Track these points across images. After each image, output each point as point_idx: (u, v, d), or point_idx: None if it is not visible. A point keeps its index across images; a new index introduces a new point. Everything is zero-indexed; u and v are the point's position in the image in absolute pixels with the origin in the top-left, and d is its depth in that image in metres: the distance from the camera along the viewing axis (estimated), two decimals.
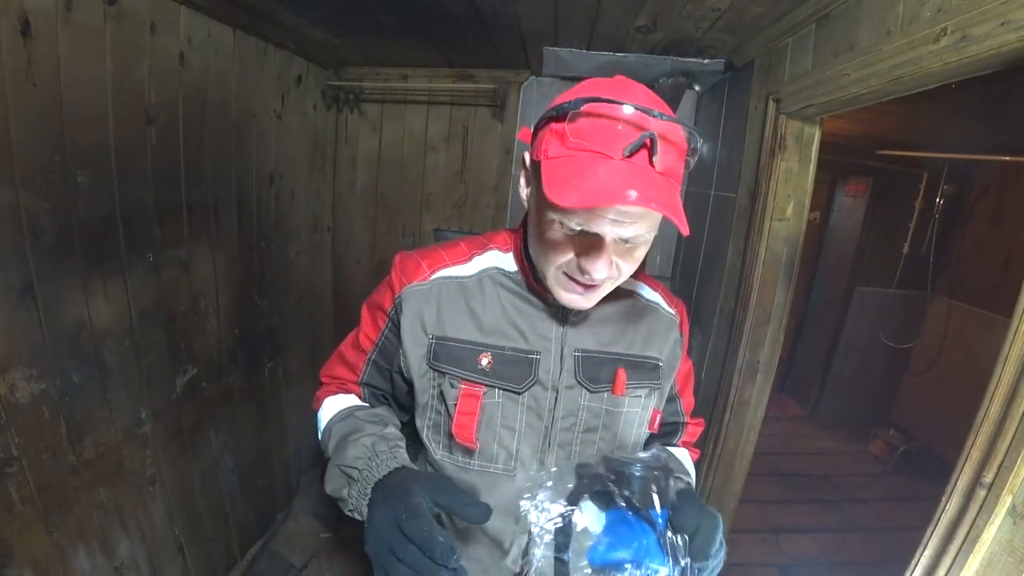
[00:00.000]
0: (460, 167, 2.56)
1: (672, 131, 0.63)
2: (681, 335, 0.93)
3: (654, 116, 0.60)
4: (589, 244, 0.66)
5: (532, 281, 0.80)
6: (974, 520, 0.74)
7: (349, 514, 0.69)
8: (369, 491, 0.65)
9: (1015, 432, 0.69)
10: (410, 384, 0.86)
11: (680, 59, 1.92)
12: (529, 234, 0.77)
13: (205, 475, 1.82)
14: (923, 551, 0.83)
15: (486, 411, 0.79)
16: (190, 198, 1.61)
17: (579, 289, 0.71)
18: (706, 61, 1.91)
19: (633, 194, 0.56)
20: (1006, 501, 0.70)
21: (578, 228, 0.64)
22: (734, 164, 1.79)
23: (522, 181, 0.77)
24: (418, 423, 0.87)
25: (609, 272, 0.68)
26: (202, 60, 1.58)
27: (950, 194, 3.35)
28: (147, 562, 1.55)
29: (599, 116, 0.61)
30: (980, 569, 0.74)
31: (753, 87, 1.67)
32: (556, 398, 0.80)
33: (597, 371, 0.82)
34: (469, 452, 0.81)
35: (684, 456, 1.02)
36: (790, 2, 1.32)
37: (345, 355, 0.92)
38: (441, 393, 0.81)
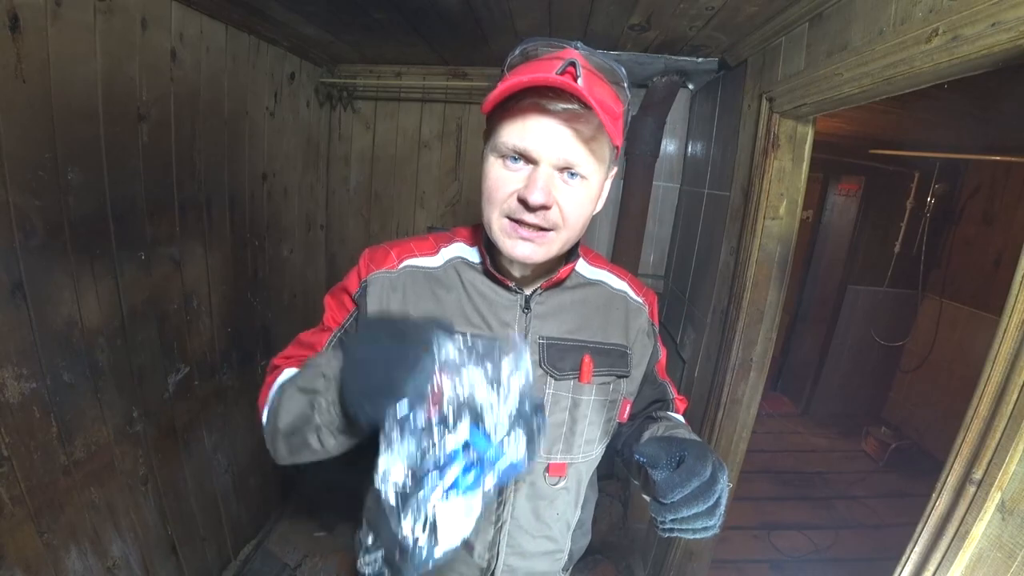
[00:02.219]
0: (454, 165, 2.56)
1: (599, 67, 0.71)
2: (652, 323, 0.94)
3: (576, 48, 0.69)
4: (526, 178, 0.68)
5: (491, 268, 0.81)
6: (964, 516, 0.75)
7: (316, 446, 0.66)
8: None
9: (1004, 429, 0.70)
10: None
11: (674, 58, 1.93)
12: (482, 204, 0.76)
13: (198, 474, 1.81)
14: (913, 547, 0.84)
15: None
16: (182, 196, 1.60)
17: (524, 232, 0.71)
18: (700, 60, 1.92)
19: (556, 74, 0.62)
20: (995, 497, 0.71)
21: (513, 150, 0.68)
22: (727, 163, 1.80)
23: (486, 150, 0.78)
24: None
25: (545, 200, 0.67)
26: (194, 57, 1.57)
27: (941, 193, 3.38)
28: (140, 562, 1.54)
29: (534, 60, 0.70)
30: (970, 564, 0.75)
31: (746, 86, 1.68)
32: None
33: (562, 358, 0.82)
34: None
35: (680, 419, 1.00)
36: (783, 1, 1.32)
37: (302, 339, 0.89)
38: None
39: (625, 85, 0.73)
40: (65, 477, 1.28)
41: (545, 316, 0.83)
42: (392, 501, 0.55)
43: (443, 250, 0.87)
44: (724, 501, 0.62)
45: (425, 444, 0.54)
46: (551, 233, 0.72)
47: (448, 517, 0.56)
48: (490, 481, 0.57)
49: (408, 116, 2.54)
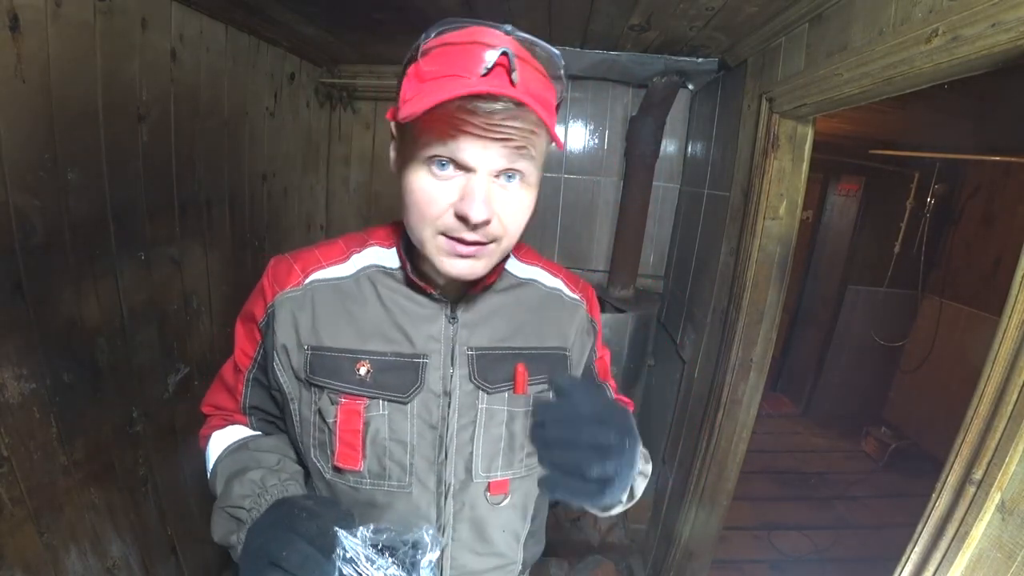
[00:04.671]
0: None
1: (536, 55, 0.61)
2: (591, 320, 0.87)
3: (507, 32, 0.59)
4: (462, 188, 0.61)
5: (412, 276, 0.73)
6: (963, 516, 0.75)
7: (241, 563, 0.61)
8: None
9: (1004, 429, 0.70)
10: (285, 406, 0.77)
11: (674, 58, 1.93)
12: (404, 211, 0.67)
13: (198, 475, 1.80)
14: (913, 547, 0.84)
15: (371, 425, 0.71)
16: (182, 196, 1.60)
17: (462, 249, 0.63)
18: (700, 60, 1.92)
19: (484, 72, 0.54)
20: (995, 498, 0.71)
21: (445, 160, 0.59)
22: (727, 163, 1.80)
23: (391, 151, 0.70)
24: (302, 444, 0.76)
25: (488, 214, 0.60)
26: (194, 57, 1.57)
27: (941, 194, 3.39)
28: (139, 562, 1.54)
29: (452, 44, 0.59)
30: (969, 565, 0.75)
31: (746, 86, 1.68)
32: (450, 403, 0.73)
33: (494, 369, 0.75)
34: (357, 472, 0.72)
35: None
36: (783, 2, 1.32)
37: (225, 379, 0.82)
38: (320, 411, 0.72)
39: (562, 75, 0.65)
40: (65, 477, 1.28)
41: (473, 325, 0.75)
42: None
43: (355, 256, 0.77)
44: (623, 461, 0.54)
45: None
46: (491, 246, 0.65)
47: None
48: None
49: None
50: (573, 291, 0.87)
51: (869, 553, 2.61)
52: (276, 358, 0.74)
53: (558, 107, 0.66)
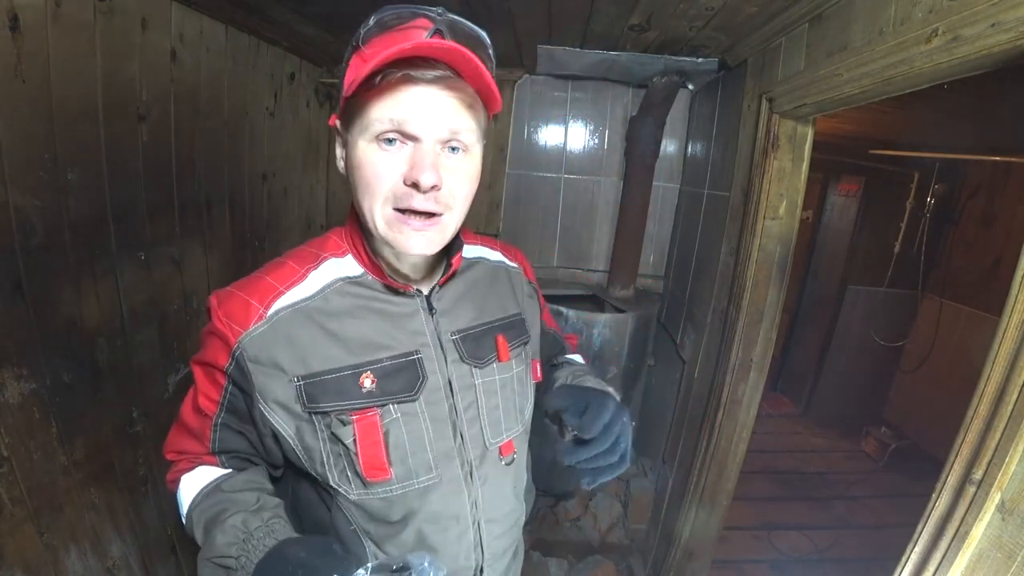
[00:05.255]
0: None
1: (465, 36, 0.65)
2: (530, 283, 0.98)
3: (439, 15, 0.63)
4: (410, 157, 0.63)
5: (389, 278, 0.75)
6: (963, 516, 0.75)
7: None
8: None
9: (1004, 429, 0.70)
10: (284, 442, 0.74)
11: (674, 58, 1.93)
12: (354, 194, 0.68)
13: None
14: (913, 547, 0.84)
15: (390, 433, 0.71)
16: (182, 196, 1.60)
17: (416, 223, 0.65)
18: (699, 60, 1.92)
19: (427, 36, 0.60)
20: (995, 498, 0.71)
21: (392, 135, 0.62)
22: (727, 163, 1.80)
23: (338, 151, 0.72)
24: (320, 474, 0.74)
25: (436, 179, 0.62)
26: (194, 57, 1.57)
27: (941, 194, 3.38)
28: (139, 562, 1.54)
29: (389, 28, 0.63)
30: (969, 565, 0.75)
31: (746, 86, 1.68)
32: (452, 389, 0.77)
33: (479, 346, 0.81)
34: (387, 481, 0.72)
35: (579, 359, 1.11)
36: (783, 1, 1.32)
37: (187, 423, 0.79)
38: (333, 435, 0.70)
39: (490, 52, 0.68)
40: (65, 477, 1.28)
41: (449, 311, 0.80)
42: None
43: (312, 274, 0.74)
44: (627, 436, 0.71)
45: None
46: (443, 217, 0.67)
47: None
48: None
49: None
50: (512, 260, 0.95)
51: (869, 553, 2.61)
52: (262, 402, 0.71)
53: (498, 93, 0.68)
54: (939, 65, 0.88)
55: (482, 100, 0.66)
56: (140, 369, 1.50)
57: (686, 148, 2.42)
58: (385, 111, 0.61)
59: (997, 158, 2.97)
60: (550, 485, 2.36)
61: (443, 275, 0.79)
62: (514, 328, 0.87)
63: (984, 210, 3.36)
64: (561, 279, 2.67)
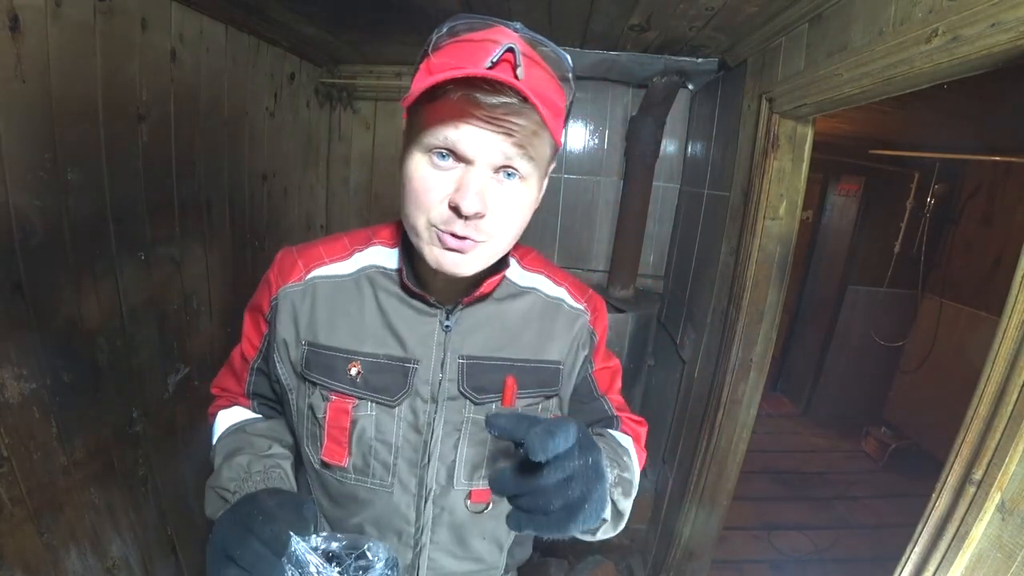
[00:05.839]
0: None
1: (543, 55, 0.62)
2: (591, 331, 0.84)
3: (515, 30, 0.60)
4: (458, 179, 0.60)
5: (407, 282, 0.72)
6: (963, 516, 0.75)
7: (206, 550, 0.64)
8: None
9: (1004, 429, 0.70)
10: (282, 395, 0.80)
11: (673, 58, 1.93)
12: (401, 200, 0.67)
13: (198, 475, 1.81)
14: (913, 547, 0.84)
15: (358, 424, 0.72)
16: (182, 196, 1.60)
17: (450, 241, 0.62)
18: (699, 60, 1.92)
19: (488, 66, 0.55)
20: (995, 498, 0.71)
21: (445, 151, 0.60)
22: (727, 163, 1.80)
23: (402, 144, 0.70)
24: (297, 434, 0.79)
25: (480, 207, 0.60)
26: (194, 57, 1.57)
27: (941, 194, 3.39)
28: (139, 562, 1.54)
29: (462, 40, 0.61)
30: (969, 565, 0.75)
31: (746, 86, 1.68)
32: (436, 410, 0.73)
33: (484, 379, 0.74)
34: (342, 468, 0.74)
35: (624, 439, 0.83)
36: (783, 1, 1.32)
37: (233, 363, 0.85)
38: (311, 406, 0.74)
39: (571, 77, 0.65)
40: (65, 477, 1.28)
41: (467, 332, 0.75)
42: None
43: (357, 255, 0.77)
44: (592, 490, 0.51)
45: None
46: (483, 244, 0.64)
47: None
48: None
49: None
50: (577, 301, 0.83)
51: (869, 553, 2.61)
52: (276, 351, 0.77)
53: (568, 114, 0.67)
54: (939, 65, 0.88)
55: (549, 129, 0.60)
56: (140, 369, 1.50)
57: (686, 148, 2.42)
58: (441, 128, 0.59)
59: (997, 158, 2.97)
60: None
61: (468, 295, 0.73)
62: (539, 375, 0.77)
63: (984, 210, 3.36)
64: None
